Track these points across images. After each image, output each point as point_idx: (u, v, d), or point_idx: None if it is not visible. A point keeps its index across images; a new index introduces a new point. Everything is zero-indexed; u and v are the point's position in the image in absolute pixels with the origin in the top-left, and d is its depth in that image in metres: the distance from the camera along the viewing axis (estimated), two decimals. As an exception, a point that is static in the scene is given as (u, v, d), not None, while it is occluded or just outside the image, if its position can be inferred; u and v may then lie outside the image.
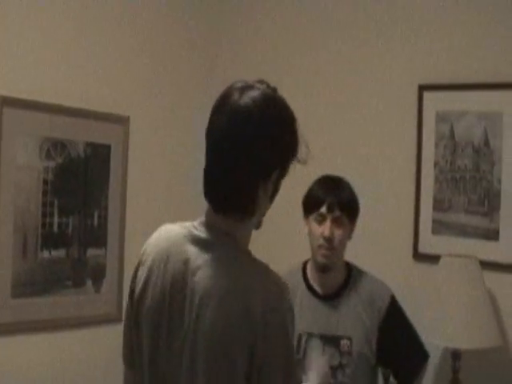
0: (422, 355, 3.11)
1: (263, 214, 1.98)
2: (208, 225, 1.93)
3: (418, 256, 3.95)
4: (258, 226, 2.00)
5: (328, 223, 2.90)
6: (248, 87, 1.91)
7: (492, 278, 3.67)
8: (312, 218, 2.96)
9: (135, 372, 2.05)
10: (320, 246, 2.92)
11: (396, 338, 2.98)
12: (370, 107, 4.20)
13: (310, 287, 3.02)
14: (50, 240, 3.81)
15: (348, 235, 2.99)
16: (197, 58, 4.71)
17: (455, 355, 3.46)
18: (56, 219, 3.85)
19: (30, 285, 3.72)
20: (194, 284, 1.85)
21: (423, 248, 3.95)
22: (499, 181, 3.75)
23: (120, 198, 4.15)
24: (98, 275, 4.03)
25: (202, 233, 1.92)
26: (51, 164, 3.84)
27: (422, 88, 4.02)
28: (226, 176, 1.86)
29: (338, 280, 2.99)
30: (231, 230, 1.91)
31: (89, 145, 4.01)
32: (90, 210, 4.00)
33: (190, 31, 4.69)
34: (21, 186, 3.70)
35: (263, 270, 1.88)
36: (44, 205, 3.79)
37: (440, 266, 3.61)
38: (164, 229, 2.06)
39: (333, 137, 4.33)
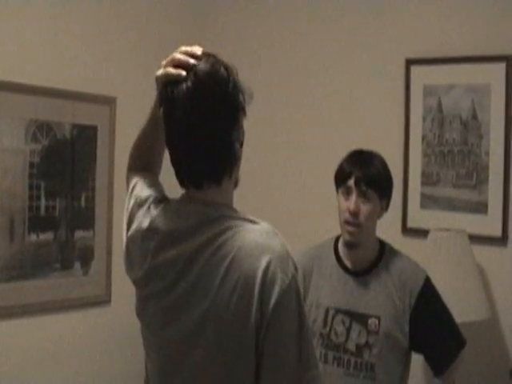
0: (457, 342, 2.92)
1: (238, 169, 2.01)
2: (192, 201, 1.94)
3: (407, 231, 3.95)
4: (236, 184, 2.02)
5: (354, 197, 2.82)
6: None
7: (481, 252, 3.67)
8: (340, 191, 2.89)
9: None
10: (346, 222, 2.84)
11: (429, 322, 2.86)
12: (358, 82, 4.19)
13: (340, 261, 2.94)
14: (37, 223, 3.80)
15: (377, 213, 2.88)
16: (184, 39, 4.66)
17: (445, 329, 3.46)
18: (43, 202, 3.83)
19: (17, 268, 3.71)
20: (198, 265, 1.85)
21: (412, 222, 3.95)
22: (487, 154, 3.74)
23: (107, 180, 4.13)
24: (86, 257, 4.03)
25: (190, 208, 1.92)
26: (37, 146, 3.82)
27: (410, 62, 4.00)
28: (201, 141, 1.89)
29: (368, 257, 2.90)
30: (216, 199, 1.93)
31: (75, 126, 3.99)
32: (77, 192, 3.99)
33: (178, 10, 4.65)
34: (7, 169, 3.69)
35: (265, 235, 1.86)
36: (31, 188, 3.78)
37: (429, 241, 3.61)
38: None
39: (319, 112, 4.32)
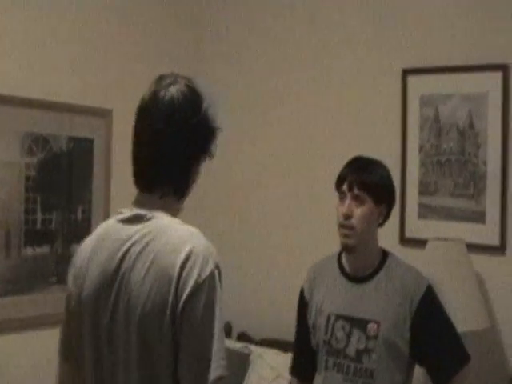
0: (459, 356, 2.85)
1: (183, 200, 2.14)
2: (140, 205, 2.04)
3: (405, 240, 3.94)
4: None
5: (347, 201, 2.85)
6: (172, 82, 2.07)
7: (479, 261, 3.66)
8: (338, 197, 2.92)
9: (72, 364, 2.11)
10: (341, 225, 2.87)
11: (430, 331, 2.82)
12: (355, 92, 4.19)
13: (342, 269, 2.96)
14: (33, 236, 3.79)
15: (373, 217, 2.87)
16: (181, 51, 4.69)
17: (444, 338, 3.43)
18: (39, 215, 3.82)
19: (14, 282, 3.70)
20: (127, 260, 1.95)
21: (410, 232, 3.94)
22: (485, 163, 3.74)
23: (104, 193, 4.13)
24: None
25: (133, 212, 2.03)
26: (33, 160, 3.81)
27: (406, 72, 4.00)
28: (166, 163, 2.01)
29: (370, 263, 2.91)
30: (164, 208, 2.04)
31: (71, 139, 3.99)
32: (73, 206, 3.98)
33: (175, 23, 4.66)
34: (2, 182, 3.68)
35: (190, 232, 1.97)
36: (27, 201, 3.77)
37: (427, 250, 3.60)
38: (99, 227, 2.16)
39: (317, 121, 4.31)
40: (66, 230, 3.94)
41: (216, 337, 1.88)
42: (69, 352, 2.12)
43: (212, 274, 1.90)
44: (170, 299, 1.86)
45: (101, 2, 4.21)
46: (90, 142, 4.09)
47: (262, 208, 4.53)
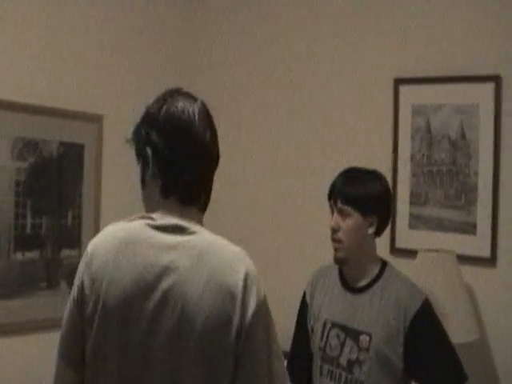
0: (455, 375, 2.80)
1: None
2: (177, 215, 2.01)
3: (395, 251, 3.94)
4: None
5: (334, 214, 2.88)
6: (193, 98, 2.10)
7: (470, 272, 3.66)
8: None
9: (77, 370, 2.01)
10: (331, 239, 2.90)
11: (424, 346, 2.78)
12: (347, 101, 4.18)
13: (342, 277, 2.98)
14: (23, 241, 3.76)
15: (361, 229, 2.86)
16: (173, 58, 4.68)
17: (434, 350, 3.42)
18: (29, 220, 3.80)
19: (3, 287, 3.68)
20: (175, 271, 1.90)
21: (400, 243, 3.94)
22: (476, 174, 3.74)
23: (94, 198, 4.11)
24: (73, 276, 3.97)
25: (171, 221, 1.98)
26: (24, 164, 3.79)
27: (398, 81, 4.00)
28: (206, 176, 2.05)
29: (367, 274, 2.91)
30: (200, 220, 2.05)
31: (62, 144, 3.97)
32: (63, 211, 3.96)
33: (167, 29, 4.65)
34: (-8, 187, 3.66)
35: (240, 251, 1.96)
36: (17, 206, 3.74)
37: (417, 261, 3.60)
38: (111, 227, 2.09)
39: (309, 131, 4.31)
40: (55, 235, 3.92)
41: (274, 358, 1.90)
42: (73, 356, 2.02)
43: (265, 296, 1.93)
44: (236, 318, 1.85)
45: (93, 9, 4.19)
46: (81, 147, 4.07)
47: (251, 217, 4.52)
